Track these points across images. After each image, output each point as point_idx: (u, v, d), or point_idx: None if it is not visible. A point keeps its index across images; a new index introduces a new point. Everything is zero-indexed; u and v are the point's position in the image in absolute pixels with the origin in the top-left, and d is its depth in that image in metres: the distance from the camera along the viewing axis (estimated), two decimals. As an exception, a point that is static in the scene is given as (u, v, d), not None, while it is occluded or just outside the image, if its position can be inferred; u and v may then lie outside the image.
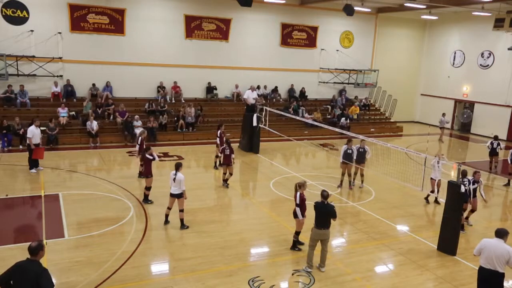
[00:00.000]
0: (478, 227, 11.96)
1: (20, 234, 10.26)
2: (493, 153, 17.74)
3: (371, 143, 15.01)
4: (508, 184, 16.02)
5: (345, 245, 10.38)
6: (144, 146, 13.34)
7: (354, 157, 14.25)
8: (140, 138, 14.38)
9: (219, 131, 16.02)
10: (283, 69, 25.94)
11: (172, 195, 10.50)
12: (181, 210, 10.53)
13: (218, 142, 15.90)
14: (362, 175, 14.70)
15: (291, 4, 25.01)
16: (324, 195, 8.74)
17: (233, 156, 14.07)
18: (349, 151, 14.18)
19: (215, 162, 16.46)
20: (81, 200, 12.26)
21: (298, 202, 9.43)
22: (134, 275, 8.32)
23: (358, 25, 27.51)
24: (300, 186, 9.50)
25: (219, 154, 15.44)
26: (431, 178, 13.11)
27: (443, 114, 24.87)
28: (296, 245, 9.76)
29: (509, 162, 15.81)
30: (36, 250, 5.35)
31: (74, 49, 20.82)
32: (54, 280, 7.81)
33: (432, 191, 13.01)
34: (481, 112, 27.12)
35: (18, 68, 19.73)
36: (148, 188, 12.20)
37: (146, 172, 12.27)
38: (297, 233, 9.72)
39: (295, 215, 9.56)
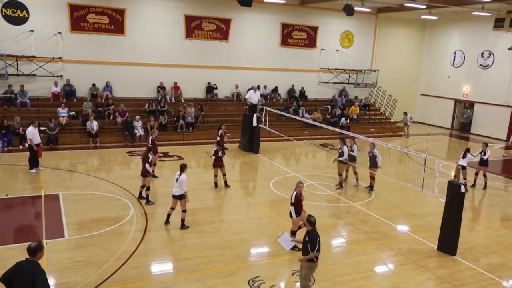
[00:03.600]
0: (479, 227, 11.97)
1: (20, 234, 10.25)
2: None
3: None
4: (473, 186, 15.47)
5: (345, 245, 10.38)
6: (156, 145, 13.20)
7: (356, 156, 14.44)
8: (151, 138, 14.09)
9: (220, 131, 16.00)
10: (283, 69, 25.92)
11: (174, 197, 10.47)
12: (184, 211, 10.52)
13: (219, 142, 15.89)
14: (355, 173, 14.90)
15: (291, 4, 25.00)
16: (312, 221, 7.40)
17: (224, 156, 13.83)
18: (352, 153, 14.29)
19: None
20: (81, 200, 12.26)
21: (292, 201, 9.54)
22: (134, 275, 8.32)
23: (358, 25, 27.50)
24: (296, 186, 9.57)
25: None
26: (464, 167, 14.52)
27: (405, 113, 25.60)
28: (295, 245, 9.73)
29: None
30: (35, 251, 5.35)
31: (74, 49, 20.81)
32: (54, 280, 7.92)
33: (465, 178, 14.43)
34: (481, 112, 27.12)
35: (18, 68, 19.72)
36: (147, 188, 12.17)
37: (144, 171, 12.20)
38: (293, 233, 9.72)
39: (290, 214, 9.65)
